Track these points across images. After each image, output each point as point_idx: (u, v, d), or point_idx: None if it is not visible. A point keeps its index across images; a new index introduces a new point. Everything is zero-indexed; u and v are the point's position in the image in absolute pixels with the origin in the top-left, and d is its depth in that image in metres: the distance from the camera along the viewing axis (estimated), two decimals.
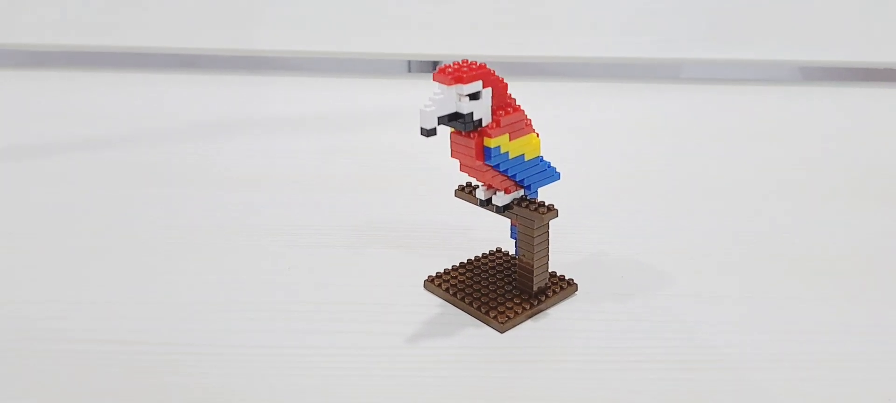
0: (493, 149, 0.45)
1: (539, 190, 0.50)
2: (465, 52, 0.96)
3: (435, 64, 1.11)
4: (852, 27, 1.01)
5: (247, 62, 1.08)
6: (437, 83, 0.44)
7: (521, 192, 0.49)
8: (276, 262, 0.56)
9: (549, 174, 0.49)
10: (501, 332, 0.47)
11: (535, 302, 0.49)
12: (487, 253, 0.55)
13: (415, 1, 1.04)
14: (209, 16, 1.04)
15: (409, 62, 1.16)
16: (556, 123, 0.85)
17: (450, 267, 0.53)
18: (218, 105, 0.93)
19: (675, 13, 1.02)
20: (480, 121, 0.45)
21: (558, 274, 0.52)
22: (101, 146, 0.79)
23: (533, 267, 0.49)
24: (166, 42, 1.03)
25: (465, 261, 0.54)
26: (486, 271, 0.53)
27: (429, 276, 0.52)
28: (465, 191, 0.51)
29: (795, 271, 0.54)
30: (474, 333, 0.47)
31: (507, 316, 0.48)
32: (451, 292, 0.50)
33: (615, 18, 1.03)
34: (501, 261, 0.54)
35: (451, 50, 1.00)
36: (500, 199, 0.48)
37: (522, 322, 0.48)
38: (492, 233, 0.58)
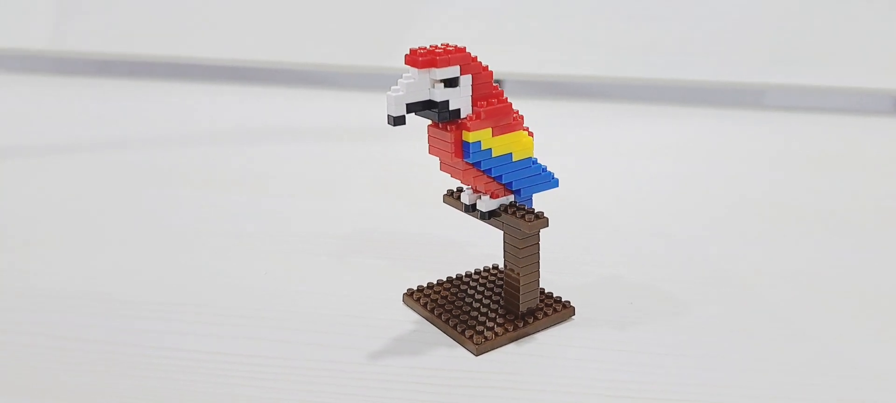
0: (472, 144, 0.40)
1: (536, 197, 0.44)
2: (505, 69, 0.90)
3: None
4: None
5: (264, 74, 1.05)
6: (409, 67, 0.39)
7: (511, 198, 0.43)
8: (252, 267, 0.51)
9: (543, 179, 0.43)
10: (476, 355, 0.41)
11: (521, 324, 0.43)
12: (480, 269, 0.49)
13: (435, 17, 0.98)
14: (218, 26, 1.01)
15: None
16: (602, 143, 0.78)
17: (434, 282, 0.47)
18: (224, 113, 0.90)
19: (757, 36, 0.93)
20: (458, 111, 0.40)
21: (554, 296, 0.46)
22: (109, 148, 0.77)
23: (519, 283, 0.43)
24: (180, 51, 1.01)
25: (453, 276, 0.48)
26: (473, 288, 0.47)
27: (408, 290, 0.47)
28: (453, 197, 0.46)
29: (832, 307, 0.46)
30: (447, 354, 0.42)
31: (485, 337, 0.42)
32: (428, 308, 0.45)
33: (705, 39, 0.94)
34: (493, 279, 0.48)
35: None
36: (485, 204, 0.42)
37: (503, 345, 0.42)
38: (490, 249, 0.52)
